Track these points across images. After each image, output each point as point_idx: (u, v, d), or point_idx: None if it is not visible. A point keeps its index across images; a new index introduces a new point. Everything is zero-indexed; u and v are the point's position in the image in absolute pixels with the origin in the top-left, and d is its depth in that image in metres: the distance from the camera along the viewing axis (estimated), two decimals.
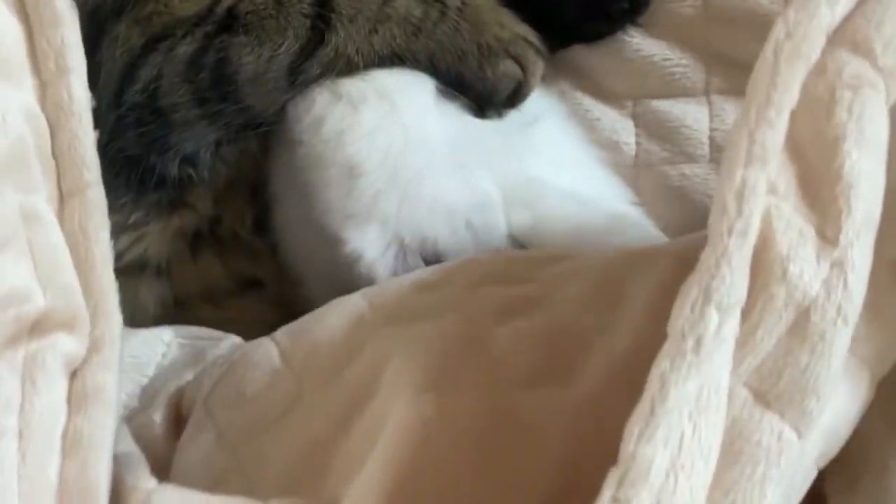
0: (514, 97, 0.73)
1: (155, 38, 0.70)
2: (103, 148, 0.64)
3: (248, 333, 0.75)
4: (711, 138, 0.80)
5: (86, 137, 0.59)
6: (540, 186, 0.71)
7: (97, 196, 0.59)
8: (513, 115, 0.75)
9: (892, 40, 0.47)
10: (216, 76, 0.69)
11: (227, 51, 0.69)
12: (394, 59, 0.70)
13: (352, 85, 0.69)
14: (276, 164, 0.74)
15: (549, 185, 0.72)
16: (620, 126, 0.81)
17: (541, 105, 0.77)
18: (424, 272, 0.63)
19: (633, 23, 0.79)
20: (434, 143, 0.69)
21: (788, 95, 0.46)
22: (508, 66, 0.71)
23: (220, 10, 0.69)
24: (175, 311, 0.76)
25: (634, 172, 0.81)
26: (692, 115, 0.80)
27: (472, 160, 0.68)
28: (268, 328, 0.74)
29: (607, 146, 0.81)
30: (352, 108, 0.68)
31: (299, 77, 0.69)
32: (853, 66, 0.47)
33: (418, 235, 0.65)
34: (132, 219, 0.73)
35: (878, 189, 0.46)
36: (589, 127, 0.81)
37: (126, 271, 0.72)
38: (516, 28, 0.73)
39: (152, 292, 0.75)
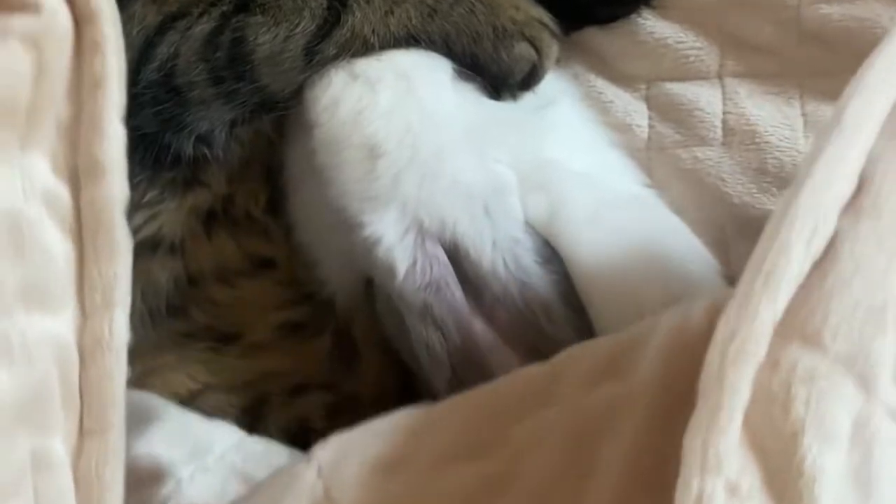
0: (529, 79, 0.73)
1: (171, 17, 0.70)
2: None
3: (260, 314, 0.76)
4: (724, 121, 0.79)
5: (119, 376, 0.57)
6: (555, 169, 0.71)
7: (118, 441, 0.56)
8: (527, 98, 0.74)
9: (839, 327, 0.47)
10: (232, 55, 0.69)
11: (244, 30, 0.69)
12: (409, 40, 0.70)
13: (368, 65, 0.69)
14: (293, 146, 0.74)
15: (565, 168, 0.72)
16: (633, 108, 0.81)
17: (555, 87, 0.77)
18: (382, 436, 0.57)
19: (647, 5, 0.79)
20: (452, 123, 0.69)
21: (739, 397, 0.46)
22: (523, 49, 0.71)
23: None
24: (189, 290, 0.76)
25: (647, 155, 0.80)
26: (705, 98, 0.79)
27: (488, 142, 0.68)
28: (277, 309, 0.75)
29: (620, 129, 0.81)
30: (369, 89, 0.68)
31: (315, 57, 0.69)
32: (806, 359, 0.47)
33: (437, 218, 0.65)
34: (147, 197, 0.73)
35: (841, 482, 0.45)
36: (602, 109, 0.81)
37: (140, 248, 0.71)
38: (531, 10, 0.73)
39: (165, 269, 0.75)
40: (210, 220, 0.76)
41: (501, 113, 0.72)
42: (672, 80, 0.80)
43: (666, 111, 0.80)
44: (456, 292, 0.63)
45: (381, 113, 0.67)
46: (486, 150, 0.68)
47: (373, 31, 0.69)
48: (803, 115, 0.79)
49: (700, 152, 0.79)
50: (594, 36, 0.81)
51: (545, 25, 0.73)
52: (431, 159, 0.66)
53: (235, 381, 0.75)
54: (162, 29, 0.70)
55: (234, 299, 0.76)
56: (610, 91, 0.81)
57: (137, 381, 0.72)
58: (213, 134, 0.72)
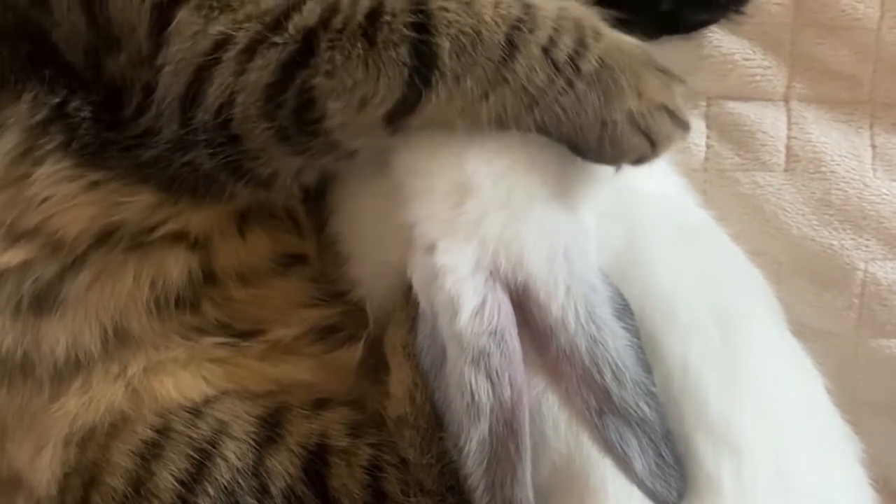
0: (638, 163, 0.62)
1: (219, 45, 0.61)
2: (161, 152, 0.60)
3: (286, 311, 0.72)
4: (788, 146, 0.76)
5: None
6: (633, 194, 0.67)
7: None
8: None
9: None
10: (301, 119, 0.61)
11: (311, 93, 0.60)
12: (500, 125, 0.61)
13: None
14: None
15: (641, 193, 0.68)
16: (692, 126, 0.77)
17: None
18: None
19: (736, 14, 0.74)
20: (546, 165, 0.64)
21: None
22: (634, 142, 0.60)
23: (294, 30, 0.60)
24: (203, 286, 0.71)
25: (703, 177, 0.77)
26: (769, 120, 0.76)
27: (573, 179, 0.64)
28: (306, 307, 0.72)
29: (676, 147, 0.76)
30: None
31: (399, 127, 0.61)
32: None
33: (514, 260, 0.60)
34: (179, 203, 0.68)
35: None
36: None
37: (157, 242, 0.68)
38: (659, 95, 0.61)
39: (179, 261, 0.70)
40: (245, 218, 0.71)
41: None
42: (735, 98, 0.76)
43: (727, 131, 0.77)
44: (517, 347, 0.59)
45: (485, 153, 0.62)
46: (572, 189, 0.63)
47: (461, 113, 0.60)
48: (872, 146, 0.76)
49: (760, 177, 0.76)
50: (655, 45, 0.76)
51: (672, 113, 0.61)
52: (523, 203, 0.61)
53: (254, 389, 0.71)
54: (210, 62, 0.61)
55: (254, 297, 0.71)
56: None
57: (143, 376, 0.69)
58: (276, 179, 0.65)
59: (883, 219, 0.75)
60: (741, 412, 0.61)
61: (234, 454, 0.67)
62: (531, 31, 0.59)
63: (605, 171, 0.62)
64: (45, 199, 0.67)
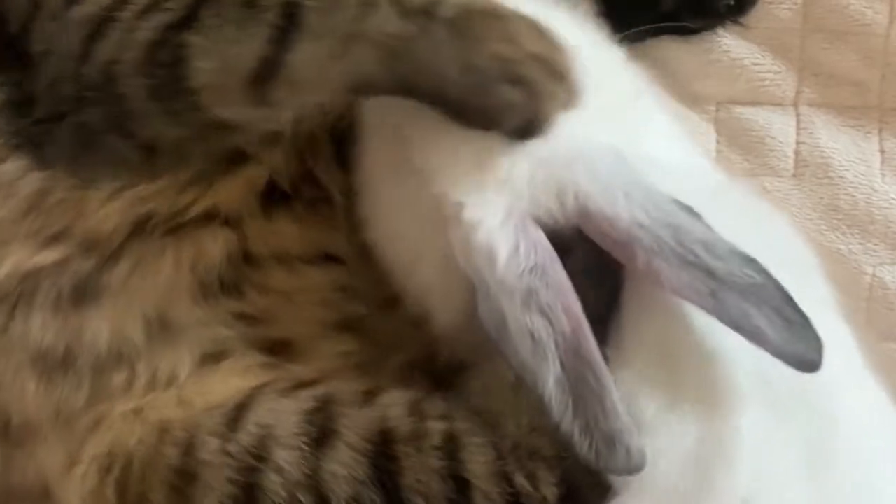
0: (527, 130, 0.59)
1: (120, 3, 0.63)
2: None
3: (320, 309, 0.70)
4: (797, 151, 0.76)
5: None
6: (655, 165, 0.66)
7: None
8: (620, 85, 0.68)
9: None
10: (171, 76, 0.61)
11: (184, 51, 0.60)
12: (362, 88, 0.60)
13: None
14: (371, 132, 0.68)
15: (663, 162, 0.67)
16: (701, 131, 0.77)
17: (637, 80, 0.72)
18: None
19: (736, 21, 0.74)
20: None
21: None
22: (508, 95, 0.56)
23: None
24: (245, 268, 0.69)
25: None
26: (778, 126, 0.76)
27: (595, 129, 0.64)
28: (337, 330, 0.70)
29: None
30: None
31: (264, 97, 0.60)
32: None
33: (559, 191, 0.59)
34: (189, 174, 0.67)
35: None
36: None
37: (191, 223, 0.67)
38: (532, 44, 0.57)
39: (217, 243, 0.68)
40: (270, 198, 0.69)
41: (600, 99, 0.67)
42: (744, 103, 0.76)
43: (735, 136, 0.77)
44: (563, 277, 0.59)
45: None
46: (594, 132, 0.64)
47: (320, 77, 0.59)
48: (881, 151, 0.76)
49: (769, 182, 0.76)
50: (664, 49, 0.77)
51: (546, 64, 0.58)
52: (544, 144, 0.60)
53: (294, 378, 0.67)
54: (105, 21, 0.62)
55: (294, 289, 0.69)
56: (677, 111, 0.77)
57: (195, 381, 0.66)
58: (158, 146, 0.65)
59: (891, 223, 0.76)
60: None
61: (286, 463, 0.60)
62: None
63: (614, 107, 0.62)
64: (64, 204, 0.67)
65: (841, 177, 0.75)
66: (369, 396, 0.64)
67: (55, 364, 0.66)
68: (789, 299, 0.55)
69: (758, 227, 0.63)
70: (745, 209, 0.66)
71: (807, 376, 0.56)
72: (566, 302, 0.58)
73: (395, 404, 0.63)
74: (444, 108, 0.59)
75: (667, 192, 0.59)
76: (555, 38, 0.59)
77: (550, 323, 0.57)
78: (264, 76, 0.59)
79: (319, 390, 0.65)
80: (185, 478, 0.61)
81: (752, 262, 0.56)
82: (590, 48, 0.68)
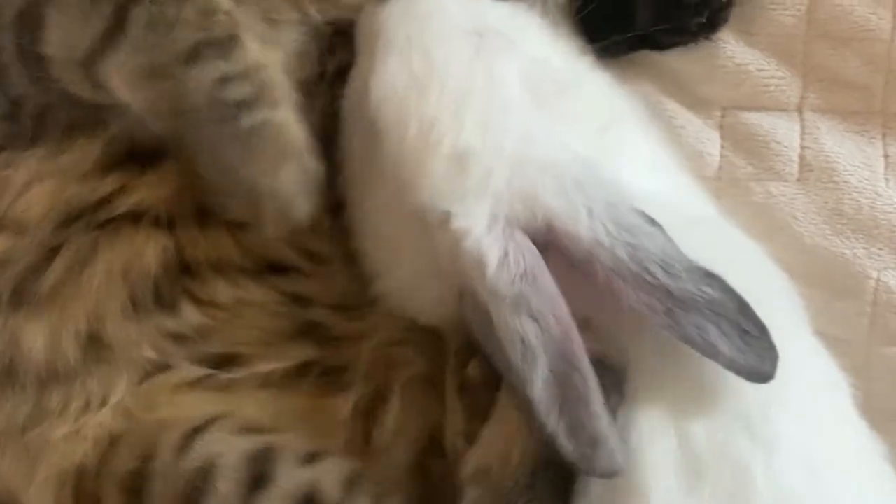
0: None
1: None
2: None
3: (270, 320, 0.69)
4: (802, 156, 0.76)
5: None
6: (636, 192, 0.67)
7: None
8: (586, 117, 0.69)
9: None
10: (32, 40, 0.63)
11: (42, 19, 0.63)
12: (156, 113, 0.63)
13: (421, 64, 0.64)
14: (354, 140, 0.69)
15: (636, 191, 0.68)
16: (705, 136, 0.77)
17: (616, 106, 0.73)
18: None
19: (708, 38, 0.75)
20: (521, 101, 0.65)
21: None
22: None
23: None
24: (183, 280, 0.68)
25: (716, 185, 0.77)
26: (783, 130, 0.76)
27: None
28: (290, 339, 0.70)
29: (690, 156, 0.77)
30: (432, 86, 0.63)
31: (96, 81, 0.62)
32: None
33: (529, 204, 0.61)
34: (100, 155, 0.67)
35: None
36: (671, 134, 0.77)
37: (122, 219, 0.67)
38: (290, 185, 0.62)
39: (151, 247, 0.67)
40: (200, 206, 0.68)
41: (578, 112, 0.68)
42: (749, 108, 0.77)
43: (740, 141, 0.77)
44: (552, 284, 0.60)
45: (457, 115, 0.63)
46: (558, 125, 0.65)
47: (129, 84, 0.62)
48: (885, 156, 0.76)
49: (774, 187, 0.76)
50: (669, 57, 0.77)
51: (290, 205, 0.63)
52: (520, 149, 0.62)
53: (246, 418, 0.67)
54: None
55: (238, 303, 0.68)
56: (682, 116, 0.78)
57: (132, 400, 0.67)
58: (21, 107, 0.67)
59: (895, 228, 0.76)
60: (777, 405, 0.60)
61: (224, 494, 0.62)
62: (222, 59, 0.60)
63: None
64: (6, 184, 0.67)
65: (845, 181, 0.75)
66: (313, 458, 0.65)
67: (2, 371, 0.66)
68: (747, 311, 0.57)
69: (729, 262, 0.63)
70: (719, 241, 0.67)
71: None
72: (555, 307, 0.59)
73: (332, 472, 0.64)
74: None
75: (630, 204, 0.61)
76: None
77: (540, 328, 0.58)
78: (94, 61, 0.62)
79: (269, 438, 0.66)
80: (139, 482, 0.64)
81: (710, 277, 0.58)
82: (571, 65, 0.70)
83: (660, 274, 0.58)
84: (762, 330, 0.57)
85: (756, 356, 0.57)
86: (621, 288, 0.58)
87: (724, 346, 0.56)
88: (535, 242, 0.61)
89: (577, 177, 0.61)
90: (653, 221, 0.60)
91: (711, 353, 0.57)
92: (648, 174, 0.69)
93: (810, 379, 0.62)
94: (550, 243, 0.61)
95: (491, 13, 0.69)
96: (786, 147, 0.76)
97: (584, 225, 0.60)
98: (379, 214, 0.68)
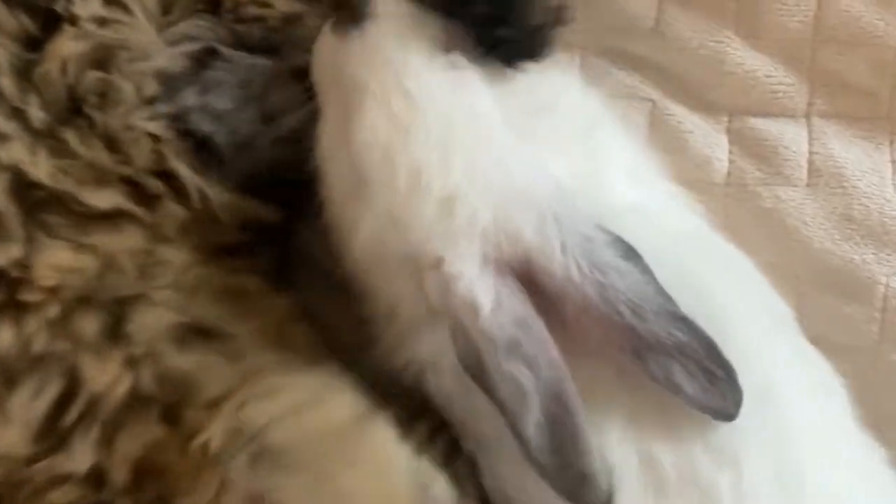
0: None
1: None
2: None
3: None
4: (810, 161, 0.76)
5: None
6: (615, 204, 0.67)
7: None
8: (571, 114, 0.69)
9: None
10: None
11: None
12: None
13: (403, 106, 0.64)
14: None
15: (618, 199, 0.68)
16: (713, 141, 0.78)
17: (594, 108, 0.72)
18: None
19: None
20: (501, 133, 0.65)
21: None
22: None
23: None
24: None
25: (724, 191, 0.77)
26: (791, 136, 0.76)
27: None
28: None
29: (698, 161, 0.77)
30: (414, 129, 0.63)
31: None
32: None
33: (512, 239, 0.61)
34: None
35: None
36: (680, 140, 0.78)
37: None
38: None
39: None
40: None
41: (554, 131, 0.69)
42: (757, 114, 0.77)
43: (748, 146, 0.77)
44: (542, 327, 0.60)
45: (444, 158, 0.63)
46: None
47: None
48: (892, 161, 0.76)
49: (783, 192, 0.77)
50: (677, 62, 0.77)
51: None
52: (503, 185, 0.63)
53: None
54: None
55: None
56: (689, 121, 0.78)
57: None
58: None
59: None
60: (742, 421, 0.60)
61: None
62: None
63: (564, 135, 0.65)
64: None
65: (854, 187, 0.76)
66: None
67: None
68: (714, 353, 0.58)
69: (708, 274, 0.64)
70: (699, 251, 0.67)
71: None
72: (547, 350, 0.59)
73: None
74: None
75: (607, 235, 0.61)
76: None
77: (533, 372, 0.59)
78: None
79: None
80: None
81: (679, 319, 0.58)
82: (542, 78, 0.70)
83: (628, 315, 0.58)
84: (728, 371, 0.58)
85: (720, 397, 0.58)
86: (590, 326, 0.59)
87: (689, 387, 0.58)
88: (517, 278, 0.61)
89: (556, 210, 0.62)
90: (629, 253, 0.61)
91: (676, 391, 0.58)
92: (628, 182, 0.69)
93: (784, 393, 0.62)
94: (529, 278, 0.61)
95: None
96: (794, 152, 0.76)
97: (557, 261, 0.60)
98: (367, 255, 0.67)
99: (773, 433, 0.60)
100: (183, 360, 0.64)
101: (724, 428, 0.59)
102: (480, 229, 0.61)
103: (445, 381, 0.67)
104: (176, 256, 0.67)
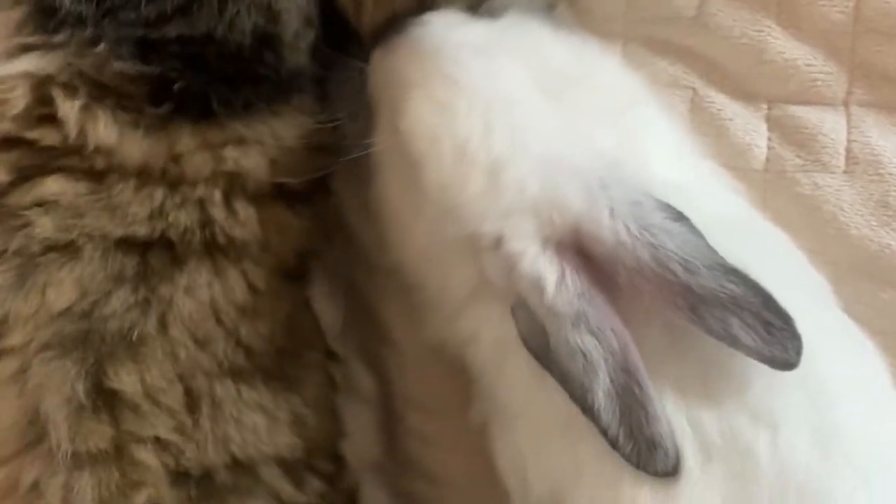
0: None
1: None
2: None
3: None
4: (848, 149, 0.78)
5: None
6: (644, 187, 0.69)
7: None
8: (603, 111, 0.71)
9: None
10: None
11: None
12: None
13: (445, 88, 0.67)
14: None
15: (663, 181, 0.69)
16: (753, 128, 0.79)
17: (628, 93, 0.74)
18: None
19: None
20: (541, 106, 0.67)
21: None
22: None
23: None
24: None
25: (763, 177, 0.79)
26: (829, 124, 0.78)
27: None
28: None
29: (738, 148, 0.79)
30: (460, 108, 0.66)
31: None
32: None
33: (561, 208, 0.63)
34: None
35: None
36: (719, 127, 0.79)
37: None
38: None
39: None
40: None
41: (597, 106, 0.70)
42: (797, 102, 0.78)
43: (788, 133, 0.79)
44: (604, 299, 0.62)
45: (487, 131, 0.65)
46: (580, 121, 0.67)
47: None
48: None
49: (820, 178, 0.78)
50: (719, 51, 0.79)
51: None
52: (545, 151, 0.65)
53: None
54: None
55: None
56: (730, 109, 0.79)
57: None
58: None
59: None
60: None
61: None
62: None
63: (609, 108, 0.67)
64: None
65: (891, 174, 0.77)
66: None
67: None
68: (770, 303, 0.58)
69: (750, 251, 0.64)
70: (741, 229, 0.68)
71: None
72: (611, 320, 0.61)
73: None
74: None
75: (654, 199, 0.62)
76: None
77: (600, 342, 0.61)
78: None
79: None
80: None
81: (732, 272, 0.59)
82: (579, 59, 0.71)
83: (680, 272, 0.60)
84: (786, 320, 0.58)
85: (779, 346, 0.58)
86: (644, 287, 0.61)
87: (748, 338, 0.58)
88: (566, 247, 0.63)
89: (601, 176, 0.63)
90: (678, 215, 0.62)
91: (735, 344, 0.59)
92: (669, 161, 0.70)
93: (821, 355, 0.62)
94: (580, 249, 0.63)
95: (488, 27, 0.72)
96: (832, 140, 0.78)
97: (606, 226, 0.62)
98: (424, 244, 0.70)
99: (809, 394, 0.62)
100: None
101: (762, 390, 0.61)
102: (531, 202, 0.63)
103: (481, 355, 0.69)
104: None
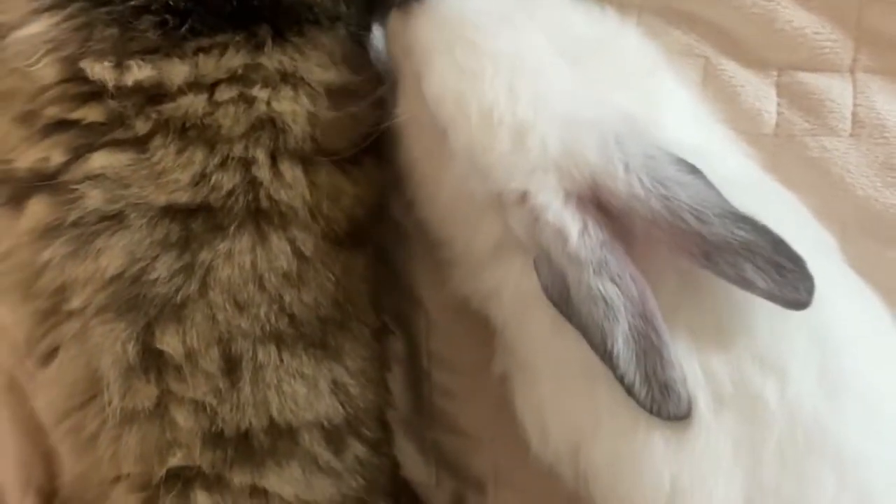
0: None
1: None
2: None
3: None
4: (854, 113, 0.80)
5: None
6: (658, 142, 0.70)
7: None
8: (623, 75, 0.74)
9: None
10: None
11: None
12: None
13: (466, 51, 0.70)
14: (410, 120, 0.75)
15: (678, 142, 0.72)
16: (763, 94, 0.82)
17: (647, 60, 0.77)
18: None
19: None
20: (561, 67, 0.70)
21: None
22: None
23: None
24: None
25: (774, 142, 0.82)
26: (837, 90, 0.81)
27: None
28: None
29: (749, 113, 0.82)
30: (485, 74, 0.69)
31: None
32: None
33: (580, 162, 0.66)
34: None
35: None
36: (731, 93, 0.82)
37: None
38: None
39: None
40: None
41: (614, 67, 0.73)
42: (805, 69, 0.81)
43: (796, 99, 0.82)
44: (623, 248, 0.65)
45: (511, 92, 0.68)
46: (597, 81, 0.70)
47: None
48: None
49: (828, 142, 0.81)
50: (730, 20, 0.82)
51: None
52: (565, 109, 0.68)
53: None
54: None
55: None
56: (741, 75, 0.82)
57: None
58: None
59: None
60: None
61: None
62: None
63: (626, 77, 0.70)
64: None
65: (895, 137, 0.80)
66: None
67: None
68: (781, 246, 0.61)
69: (761, 209, 0.66)
70: (755, 191, 0.71)
71: None
72: (630, 268, 0.65)
73: None
74: None
75: (667, 153, 0.65)
76: None
77: (620, 289, 0.64)
78: None
79: None
80: None
81: (743, 219, 0.62)
82: (598, 26, 0.75)
83: (693, 222, 0.62)
84: (797, 262, 0.61)
85: (792, 287, 0.61)
86: (660, 236, 0.64)
87: (761, 282, 0.61)
88: (587, 200, 0.66)
89: (617, 132, 0.66)
90: (690, 168, 0.65)
91: (749, 287, 0.62)
92: (685, 124, 0.74)
93: (827, 304, 0.64)
94: (598, 202, 0.66)
95: None
96: (839, 105, 0.80)
97: (621, 180, 0.65)
98: (450, 203, 0.74)
99: (815, 341, 0.65)
100: None
101: (770, 338, 0.64)
102: (553, 160, 0.66)
103: (503, 309, 0.72)
104: None
